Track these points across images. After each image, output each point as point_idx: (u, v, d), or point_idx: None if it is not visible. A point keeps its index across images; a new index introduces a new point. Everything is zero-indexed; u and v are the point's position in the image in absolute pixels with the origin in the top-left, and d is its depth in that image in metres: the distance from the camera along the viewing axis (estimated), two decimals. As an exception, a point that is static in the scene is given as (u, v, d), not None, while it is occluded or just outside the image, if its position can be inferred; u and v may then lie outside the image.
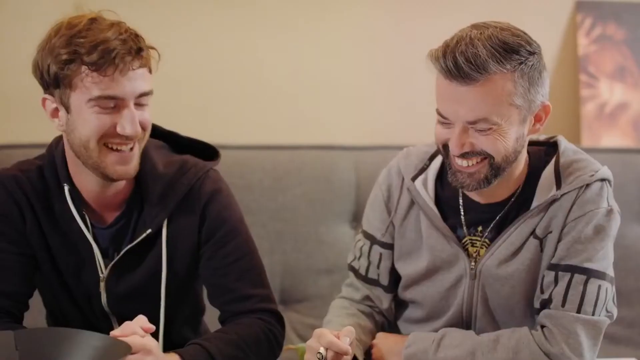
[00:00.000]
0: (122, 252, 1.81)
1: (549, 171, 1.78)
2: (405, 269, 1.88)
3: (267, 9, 2.96)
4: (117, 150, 1.72)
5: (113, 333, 1.59)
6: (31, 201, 1.80)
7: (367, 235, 1.93)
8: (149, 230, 1.79)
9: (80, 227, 1.80)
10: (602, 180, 1.75)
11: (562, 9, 3.12)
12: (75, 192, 1.80)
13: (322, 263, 2.68)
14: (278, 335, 1.85)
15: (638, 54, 3.13)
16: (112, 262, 1.81)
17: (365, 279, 1.93)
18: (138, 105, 1.71)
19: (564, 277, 1.72)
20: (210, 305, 1.92)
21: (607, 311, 1.75)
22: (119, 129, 1.69)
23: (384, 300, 1.93)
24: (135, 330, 1.60)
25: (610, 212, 1.74)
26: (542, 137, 1.88)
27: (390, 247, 1.90)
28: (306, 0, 3.00)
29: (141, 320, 1.64)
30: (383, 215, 1.90)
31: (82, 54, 1.66)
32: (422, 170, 1.87)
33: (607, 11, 3.12)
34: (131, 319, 1.64)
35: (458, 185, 1.75)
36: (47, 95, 1.74)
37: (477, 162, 1.71)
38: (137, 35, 1.72)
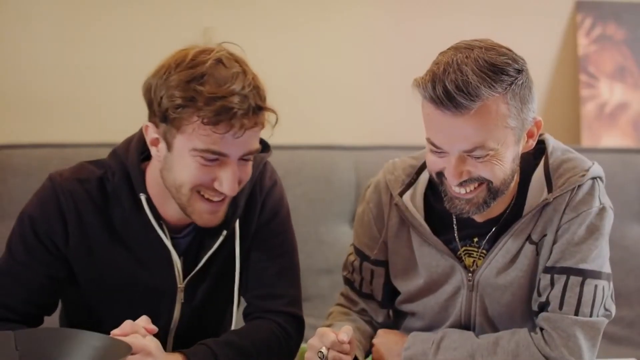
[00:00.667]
0: (205, 258, 1.77)
1: (538, 174, 1.76)
2: (404, 286, 1.87)
3: (267, 9, 2.96)
4: (208, 199, 1.67)
5: (114, 332, 1.57)
6: (84, 217, 1.74)
7: (358, 252, 1.91)
8: (225, 232, 1.77)
9: (158, 237, 1.74)
10: (593, 178, 1.74)
11: (562, 9, 3.12)
12: (150, 202, 1.74)
13: (322, 263, 2.68)
14: (293, 345, 1.83)
15: (638, 54, 3.13)
16: (196, 269, 1.78)
17: (360, 293, 1.92)
18: (242, 160, 1.66)
19: (560, 280, 1.71)
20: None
21: (606, 309, 1.74)
22: (216, 185, 1.64)
23: (380, 315, 1.92)
24: (136, 329, 1.59)
25: (602, 210, 1.73)
26: None
27: (382, 264, 1.88)
28: (306, 0, 3.00)
29: (144, 320, 1.62)
30: (373, 233, 1.88)
31: (198, 103, 1.57)
32: (410, 184, 1.83)
33: (607, 11, 3.12)
34: (193, 337, 1.63)
35: (456, 212, 1.72)
36: (150, 124, 1.66)
37: (475, 188, 1.67)
38: (259, 89, 1.64)
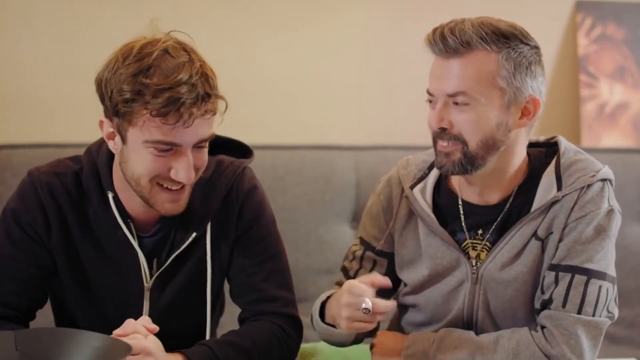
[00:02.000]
0: (171, 258, 1.77)
1: (549, 172, 1.77)
2: (409, 277, 1.87)
3: (267, 9, 2.96)
4: (168, 189, 1.67)
5: (116, 332, 1.57)
6: (62, 210, 1.75)
7: (363, 242, 1.92)
8: (194, 234, 1.76)
9: (124, 235, 1.74)
10: (603, 180, 1.75)
11: (562, 9, 3.12)
12: (118, 201, 1.75)
13: (322, 263, 2.68)
14: (293, 346, 1.83)
15: (638, 54, 3.13)
16: (161, 269, 1.78)
17: None
18: (195, 147, 1.66)
19: (565, 278, 1.72)
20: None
21: (608, 311, 1.74)
22: (172, 174, 1.64)
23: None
24: (137, 329, 1.59)
25: (611, 212, 1.74)
26: (541, 138, 1.87)
27: (386, 255, 1.89)
28: (306, 1, 3.00)
29: (144, 320, 1.62)
30: (380, 224, 1.89)
31: (146, 97, 1.58)
32: (421, 179, 1.87)
33: (607, 11, 3.12)
34: (168, 334, 1.63)
35: (438, 167, 1.76)
36: (105, 119, 1.68)
37: (452, 144, 1.72)
38: (207, 77, 1.63)
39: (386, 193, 1.90)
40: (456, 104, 1.70)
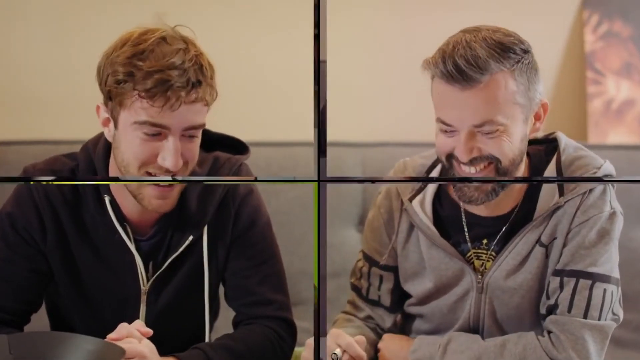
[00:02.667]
0: (168, 261, 1.76)
1: (550, 172, 1.76)
2: (414, 290, 1.86)
3: (267, 7, 2.95)
4: (157, 185, 1.67)
5: (109, 336, 1.57)
6: (58, 213, 1.74)
7: (367, 257, 1.90)
8: (191, 237, 1.76)
9: (121, 239, 1.74)
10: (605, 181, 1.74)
11: (569, 6, 3.12)
12: (114, 204, 1.74)
13: (327, 266, 2.64)
14: (287, 350, 1.82)
15: (645, 51, 3.12)
16: (158, 272, 1.77)
17: (366, 300, 1.91)
18: (185, 137, 1.66)
19: (569, 283, 1.71)
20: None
21: (614, 314, 1.74)
22: (159, 160, 1.64)
23: (387, 320, 1.90)
24: (131, 333, 1.58)
25: (613, 214, 1.73)
26: (539, 134, 1.85)
27: (392, 269, 1.87)
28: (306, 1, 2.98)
29: (138, 323, 1.62)
30: (383, 238, 1.87)
31: (136, 77, 1.60)
32: (420, 189, 1.83)
33: (613, 8, 3.11)
34: (164, 338, 1.63)
35: (465, 201, 1.72)
36: (101, 104, 1.69)
37: (484, 167, 1.68)
38: (202, 66, 1.65)
39: (386, 206, 1.87)
40: (482, 132, 1.65)
